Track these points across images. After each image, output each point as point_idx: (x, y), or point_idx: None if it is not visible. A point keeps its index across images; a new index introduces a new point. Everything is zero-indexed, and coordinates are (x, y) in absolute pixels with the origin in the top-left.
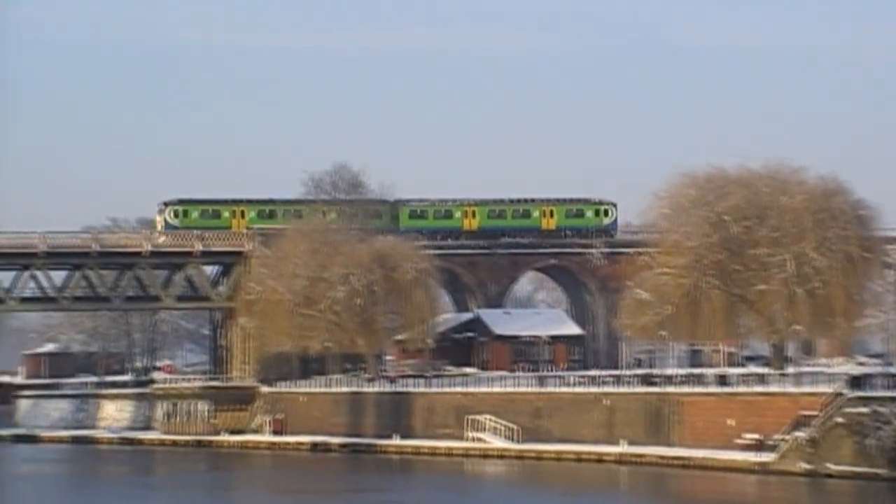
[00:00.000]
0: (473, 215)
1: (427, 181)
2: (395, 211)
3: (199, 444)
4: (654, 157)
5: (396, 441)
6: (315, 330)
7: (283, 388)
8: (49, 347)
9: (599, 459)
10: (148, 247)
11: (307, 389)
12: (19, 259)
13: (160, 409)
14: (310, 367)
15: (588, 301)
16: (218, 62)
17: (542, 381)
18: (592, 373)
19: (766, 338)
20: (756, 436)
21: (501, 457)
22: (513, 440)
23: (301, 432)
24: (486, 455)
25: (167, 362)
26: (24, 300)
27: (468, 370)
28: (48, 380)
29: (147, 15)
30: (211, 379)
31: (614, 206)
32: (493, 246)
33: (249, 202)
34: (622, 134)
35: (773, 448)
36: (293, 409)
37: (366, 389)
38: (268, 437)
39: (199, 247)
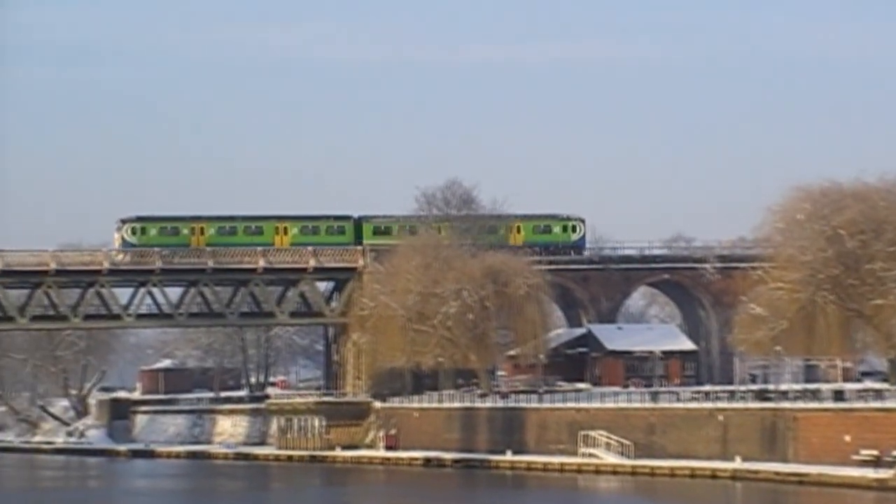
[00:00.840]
0: (440, 231)
1: (542, 195)
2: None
3: (314, 459)
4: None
5: (509, 457)
6: (427, 345)
7: (396, 403)
8: (165, 363)
9: (713, 476)
10: (262, 263)
11: (420, 405)
12: (137, 276)
13: (275, 425)
14: (422, 382)
15: (701, 316)
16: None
17: (655, 396)
18: (706, 388)
19: (884, 353)
20: (873, 452)
21: (615, 472)
22: (626, 456)
23: (414, 447)
24: (599, 471)
25: (281, 378)
26: (141, 317)
27: (581, 385)
28: (165, 395)
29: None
30: (324, 394)
31: (582, 221)
32: (605, 261)
33: (209, 219)
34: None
35: (891, 464)
36: (406, 425)
37: (478, 405)
38: (381, 453)
39: (312, 263)
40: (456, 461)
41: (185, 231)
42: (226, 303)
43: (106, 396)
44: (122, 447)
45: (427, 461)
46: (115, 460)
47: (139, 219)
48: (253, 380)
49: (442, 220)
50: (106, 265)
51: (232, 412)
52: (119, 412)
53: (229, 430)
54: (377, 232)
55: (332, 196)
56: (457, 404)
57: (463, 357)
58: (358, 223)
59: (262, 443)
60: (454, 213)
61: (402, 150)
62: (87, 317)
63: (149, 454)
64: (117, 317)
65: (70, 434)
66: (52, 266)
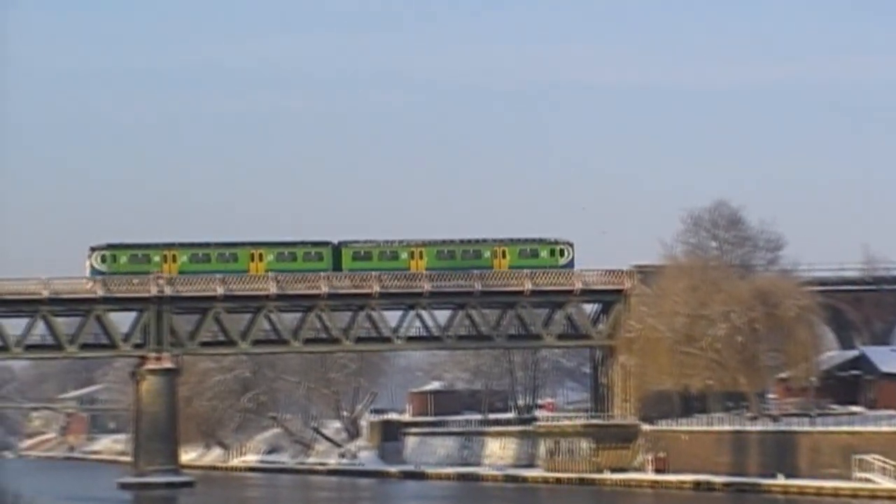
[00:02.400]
0: (421, 256)
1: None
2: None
3: (582, 481)
4: None
5: (781, 480)
6: (695, 368)
7: (664, 426)
8: (434, 385)
9: None
10: (529, 286)
11: (689, 427)
12: (406, 299)
13: (543, 447)
14: (691, 405)
15: None
16: (572, 99)
17: None
18: None
19: None
20: None
21: (891, 498)
22: None
23: (683, 471)
24: (875, 496)
25: (549, 400)
26: (410, 339)
27: (854, 409)
28: (434, 417)
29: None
30: (592, 417)
31: (570, 245)
32: (878, 281)
33: (181, 245)
34: None
35: None
36: (675, 448)
37: (748, 428)
38: (650, 476)
39: (578, 285)
40: (726, 485)
41: (157, 259)
42: (493, 325)
43: (377, 418)
44: (394, 468)
45: (697, 484)
46: (386, 481)
47: (109, 246)
48: (520, 402)
49: (421, 245)
50: (377, 289)
51: (500, 434)
52: (390, 434)
53: (498, 452)
54: (356, 258)
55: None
56: (726, 427)
57: (732, 380)
58: (337, 249)
59: (531, 465)
60: (722, 234)
61: (668, 172)
62: (359, 339)
63: (419, 476)
64: (387, 339)
65: (342, 455)
66: (325, 290)
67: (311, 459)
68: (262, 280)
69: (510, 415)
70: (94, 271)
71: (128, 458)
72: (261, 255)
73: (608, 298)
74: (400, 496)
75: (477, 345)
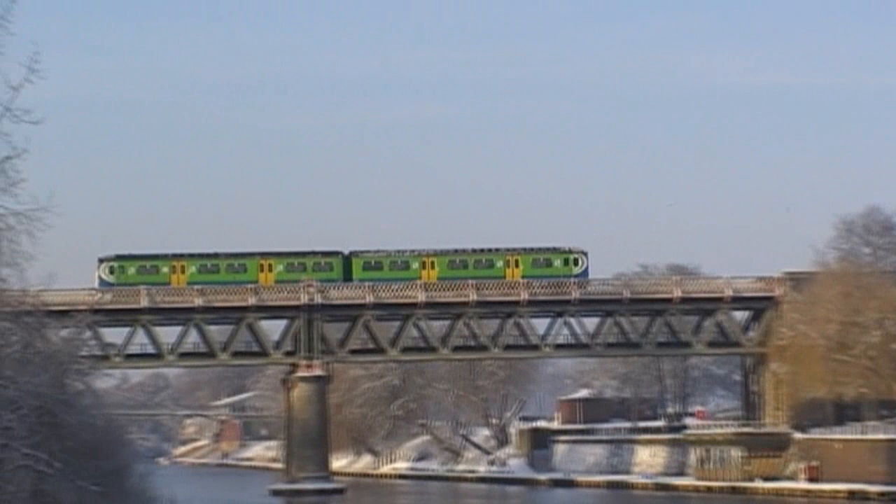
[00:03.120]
0: (433, 266)
1: None
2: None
3: (733, 490)
4: None
5: None
6: (849, 375)
7: (817, 434)
8: (583, 393)
9: None
10: (678, 293)
11: (842, 436)
12: (553, 307)
13: (693, 455)
14: (844, 413)
15: None
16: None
17: None
18: None
19: None
20: None
21: None
22: None
23: (837, 480)
24: None
25: (699, 408)
26: (559, 347)
27: None
28: (583, 425)
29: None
30: (743, 425)
31: (584, 254)
32: None
33: (191, 256)
34: None
35: None
36: (828, 456)
37: None
38: (802, 485)
39: (729, 292)
40: (881, 494)
41: (165, 269)
42: (642, 332)
43: (526, 426)
44: (543, 476)
45: (851, 494)
46: (535, 489)
47: (118, 257)
48: (670, 410)
49: (432, 254)
50: (525, 296)
51: (650, 442)
52: (539, 441)
53: (647, 460)
54: (367, 267)
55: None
56: (881, 436)
57: (886, 387)
58: (347, 259)
59: (681, 473)
60: (876, 241)
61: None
62: (507, 347)
63: (569, 483)
64: (535, 347)
65: (492, 463)
66: (474, 297)
67: (461, 467)
68: (410, 288)
69: (660, 423)
70: (102, 282)
71: (279, 465)
72: (270, 266)
73: (759, 305)
74: (550, 503)
75: (626, 352)
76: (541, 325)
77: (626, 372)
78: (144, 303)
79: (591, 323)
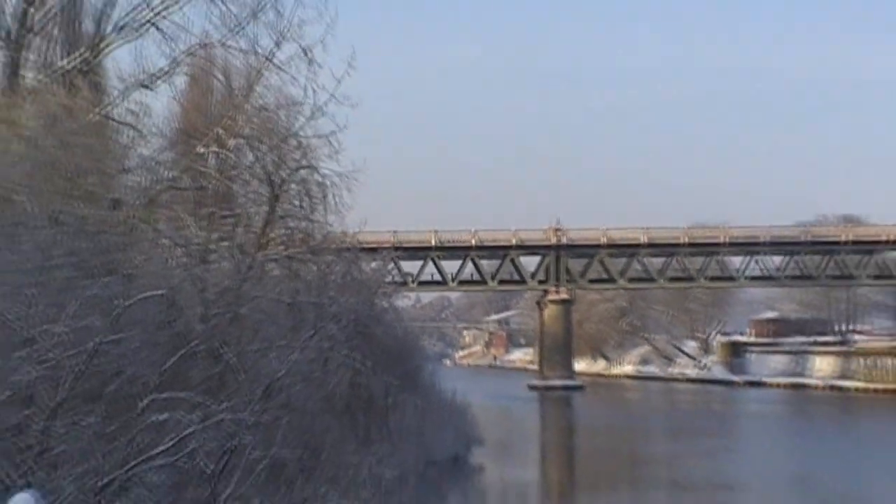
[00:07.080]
0: None
1: None
2: None
3: (894, 392)
4: None
5: None
6: None
7: None
8: (770, 314)
9: None
10: (849, 237)
11: None
12: (746, 248)
13: (860, 363)
14: None
15: None
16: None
17: None
18: None
19: None
20: None
21: None
22: None
23: None
24: None
25: (866, 327)
26: (750, 279)
27: None
28: (770, 339)
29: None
30: None
31: None
32: None
33: None
34: None
35: None
36: None
37: None
38: None
39: (891, 237)
40: None
41: None
42: (817, 267)
43: (725, 339)
44: (738, 378)
45: None
46: (732, 388)
47: None
48: (838, 329)
49: None
50: (724, 238)
51: (824, 353)
52: (735, 352)
53: (821, 367)
54: None
55: None
56: None
57: None
58: None
59: (849, 378)
60: None
61: None
62: (711, 278)
63: (759, 384)
64: (733, 279)
65: (698, 367)
66: (685, 240)
67: (674, 370)
68: (636, 232)
69: (831, 338)
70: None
71: (534, 367)
72: None
73: None
74: (742, 400)
75: (804, 283)
76: (737, 261)
77: (805, 298)
78: (433, 242)
79: (777, 260)
